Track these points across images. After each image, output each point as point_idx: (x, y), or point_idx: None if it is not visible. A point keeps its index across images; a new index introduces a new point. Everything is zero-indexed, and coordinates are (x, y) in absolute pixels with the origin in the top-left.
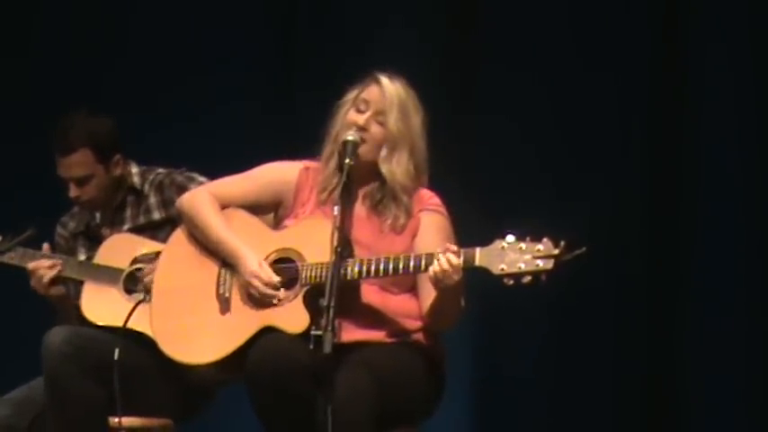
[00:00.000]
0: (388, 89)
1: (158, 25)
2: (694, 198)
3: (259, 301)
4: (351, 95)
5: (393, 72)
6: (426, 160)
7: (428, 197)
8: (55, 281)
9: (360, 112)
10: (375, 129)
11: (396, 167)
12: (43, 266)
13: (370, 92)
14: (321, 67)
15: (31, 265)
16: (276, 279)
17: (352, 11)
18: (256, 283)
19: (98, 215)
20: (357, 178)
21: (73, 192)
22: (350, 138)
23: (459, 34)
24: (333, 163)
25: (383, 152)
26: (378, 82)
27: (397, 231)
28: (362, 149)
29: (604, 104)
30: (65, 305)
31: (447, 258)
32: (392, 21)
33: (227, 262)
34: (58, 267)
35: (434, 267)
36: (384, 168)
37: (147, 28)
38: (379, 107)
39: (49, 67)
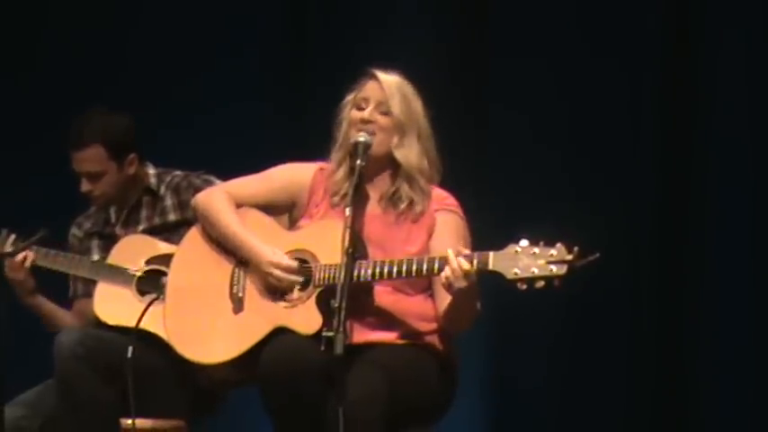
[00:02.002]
0: (385, 80)
1: (169, 24)
2: (706, 198)
3: (276, 294)
4: (349, 97)
5: (401, 69)
6: (434, 148)
7: (444, 197)
8: (35, 290)
9: (361, 109)
10: (381, 119)
11: (409, 151)
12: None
13: (368, 88)
14: (332, 66)
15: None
16: (294, 264)
17: (362, 9)
18: (276, 272)
19: (113, 214)
20: (369, 176)
21: (84, 186)
22: (361, 139)
23: (471, 33)
24: (343, 168)
25: (394, 140)
26: (373, 77)
27: (414, 219)
28: (373, 142)
29: (616, 104)
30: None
31: (458, 263)
32: (403, 19)
33: (241, 261)
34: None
35: (444, 272)
36: (399, 154)
37: (157, 27)
38: (380, 99)
39: (59, 66)
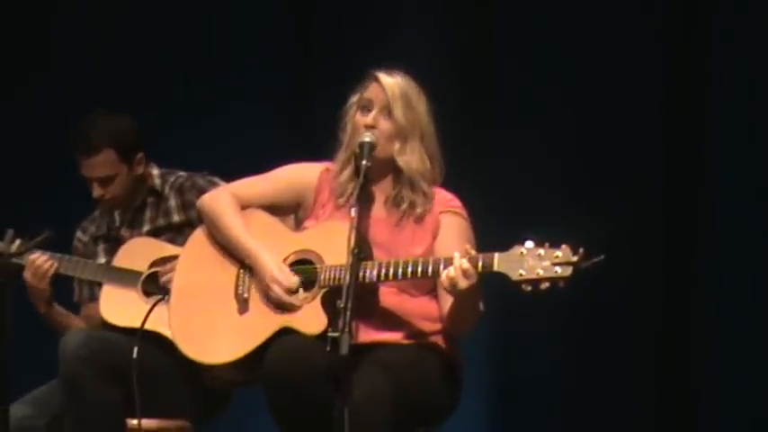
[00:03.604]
0: (388, 83)
1: (173, 25)
2: (711, 200)
3: (278, 305)
4: (353, 99)
5: (401, 69)
6: (438, 147)
7: (449, 199)
8: (52, 300)
9: (366, 112)
10: (384, 124)
11: (410, 156)
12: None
13: (371, 90)
14: (337, 68)
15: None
16: (296, 282)
17: (366, 11)
18: (277, 289)
19: (117, 217)
20: (374, 178)
21: (96, 191)
22: (366, 139)
23: (477, 38)
24: (348, 170)
25: (396, 145)
26: (376, 79)
27: (416, 220)
28: (377, 147)
29: (621, 110)
30: (60, 322)
31: (461, 263)
32: (409, 21)
33: (246, 264)
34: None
35: (447, 272)
36: (401, 161)
37: (161, 28)
38: (384, 102)
39: (62, 69)
